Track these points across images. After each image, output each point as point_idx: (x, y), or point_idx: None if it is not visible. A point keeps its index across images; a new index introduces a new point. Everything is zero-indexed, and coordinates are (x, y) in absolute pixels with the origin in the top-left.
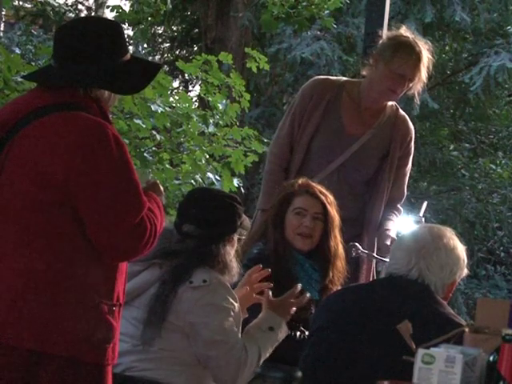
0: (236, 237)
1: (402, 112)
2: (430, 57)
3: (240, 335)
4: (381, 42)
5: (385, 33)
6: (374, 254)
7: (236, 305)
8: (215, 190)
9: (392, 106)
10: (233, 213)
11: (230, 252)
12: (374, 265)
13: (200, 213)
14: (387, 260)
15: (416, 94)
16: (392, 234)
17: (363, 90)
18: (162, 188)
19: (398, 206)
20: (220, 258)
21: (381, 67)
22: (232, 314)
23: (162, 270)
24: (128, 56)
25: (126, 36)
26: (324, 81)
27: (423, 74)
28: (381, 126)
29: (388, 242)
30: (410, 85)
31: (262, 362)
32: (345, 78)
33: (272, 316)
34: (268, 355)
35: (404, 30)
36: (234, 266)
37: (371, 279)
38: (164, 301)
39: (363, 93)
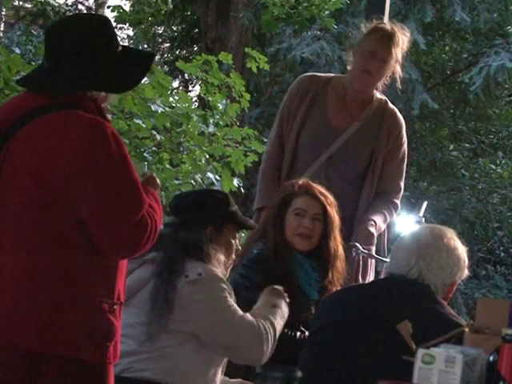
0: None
1: (391, 106)
2: (405, 40)
3: None
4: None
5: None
6: (374, 254)
7: (232, 294)
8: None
9: (381, 99)
10: (205, 202)
11: (203, 236)
12: (370, 264)
13: (175, 204)
14: (387, 260)
15: (397, 77)
16: (377, 222)
17: (347, 82)
18: (158, 181)
19: (394, 200)
20: (199, 244)
21: (357, 54)
22: (232, 300)
23: (155, 265)
24: (119, 48)
25: (115, 31)
26: (309, 77)
27: (395, 53)
28: (368, 119)
29: (371, 229)
30: (386, 66)
31: (278, 333)
32: (333, 74)
33: (270, 297)
34: (281, 329)
35: (384, 23)
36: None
37: (368, 279)
38: (165, 296)
39: (347, 85)
